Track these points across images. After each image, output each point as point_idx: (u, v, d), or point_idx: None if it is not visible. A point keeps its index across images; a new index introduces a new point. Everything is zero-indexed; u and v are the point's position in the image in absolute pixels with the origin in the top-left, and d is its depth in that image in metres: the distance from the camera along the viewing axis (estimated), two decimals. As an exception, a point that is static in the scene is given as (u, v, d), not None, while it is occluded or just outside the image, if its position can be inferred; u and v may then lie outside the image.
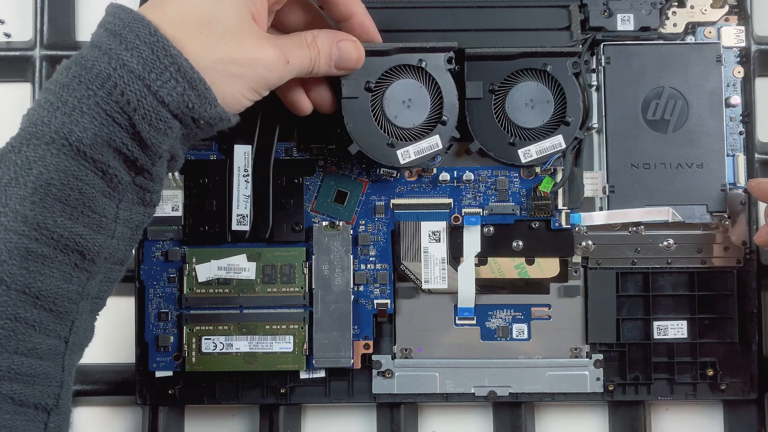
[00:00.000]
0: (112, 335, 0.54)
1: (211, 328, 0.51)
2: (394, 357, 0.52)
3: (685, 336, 0.52)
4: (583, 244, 0.52)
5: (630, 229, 0.52)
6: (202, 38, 0.36)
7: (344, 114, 0.46)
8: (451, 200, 0.52)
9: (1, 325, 0.33)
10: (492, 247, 0.52)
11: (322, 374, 0.52)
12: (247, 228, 0.51)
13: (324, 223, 0.51)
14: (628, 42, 0.51)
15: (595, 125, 0.51)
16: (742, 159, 0.52)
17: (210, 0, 0.36)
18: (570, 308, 0.52)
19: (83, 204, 0.34)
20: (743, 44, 0.52)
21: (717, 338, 0.52)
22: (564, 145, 0.50)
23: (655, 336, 0.52)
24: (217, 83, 0.36)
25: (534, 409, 0.54)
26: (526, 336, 0.52)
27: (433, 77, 0.47)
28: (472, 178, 0.52)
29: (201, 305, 0.51)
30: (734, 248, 0.52)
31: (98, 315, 0.39)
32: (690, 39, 0.52)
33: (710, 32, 0.52)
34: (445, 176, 0.52)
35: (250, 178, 0.51)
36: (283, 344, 0.51)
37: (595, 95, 0.51)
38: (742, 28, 0.52)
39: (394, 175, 0.51)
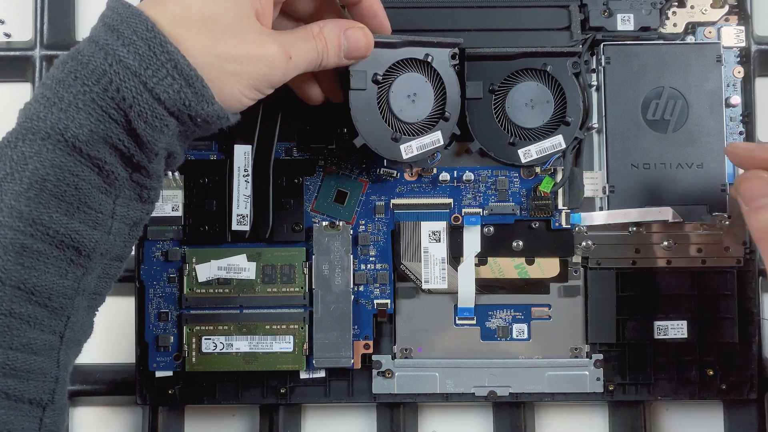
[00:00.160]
0: (112, 335, 0.54)
1: (211, 328, 0.51)
2: (394, 357, 0.52)
3: (686, 336, 0.52)
4: (583, 244, 0.52)
5: (630, 229, 0.52)
6: (202, 35, 0.35)
7: (351, 106, 0.46)
8: (451, 200, 0.52)
9: None
10: (492, 247, 0.52)
11: (322, 374, 0.52)
12: (247, 228, 0.51)
13: (324, 223, 0.51)
14: (628, 42, 0.51)
15: (595, 125, 0.51)
16: (742, 159, 0.52)
17: None
18: (570, 308, 0.52)
19: (79, 200, 0.34)
20: (743, 44, 0.52)
21: (717, 338, 0.52)
22: (564, 145, 0.50)
23: (656, 336, 0.52)
24: (215, 81, 0.36)
25: (534, 409, 0.54)
26: (526, 336, 0.52)
27: (438, 72, 0.47)
28: (472, 178, 0.52)
29: (201, 305, 0.51)
30: (734, 248, 0.52)
31: (97, 311, 0.39)
32: (690, 39, 0.52)
33: (710, 32, 0.52)
34: (445, 176, 0.52)
35: (250, 178, 0.51)
36: (283, 344, 0.51)
37: (595, 95, 0.51)
38: (742, 28, 0.52)
39: (394, 175, 0.51)
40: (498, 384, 0.52)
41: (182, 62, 0.34)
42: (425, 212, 0.52)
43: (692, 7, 0.52)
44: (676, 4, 0.52)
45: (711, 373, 0.52)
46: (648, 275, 0.52)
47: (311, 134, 0.52)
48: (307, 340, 0.51)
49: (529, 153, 0.50)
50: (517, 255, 0.52)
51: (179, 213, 0.51)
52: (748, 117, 0.52)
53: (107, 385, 0.54)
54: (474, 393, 0.52)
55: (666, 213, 0.49)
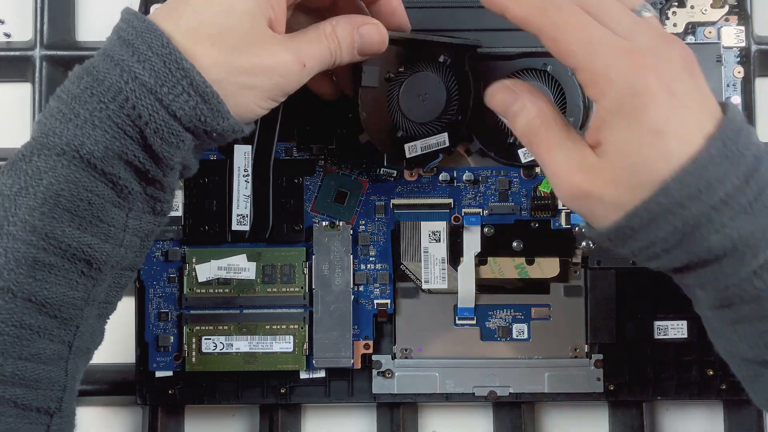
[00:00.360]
0: (112, 335, 0.53)
1: (211, 328, 0.51)
2: (394, 357, 0.52)
3: (686, 336, 0.52)
4: (583, 244, 0.52)
5: (630, 229, 0.52)
6: (215, 50, 0.35)
7: (360, 102, 0.45)
8: (451, 200, 0.52)
9: (7, 332, 0.33)
10: (492, 247, 0.52)
11: (322, 374, 0.52)
12: (247, 228, 0.51)
13: (324, 223, 0.51)
14: (628, 42, 0.51)
15: (595, 125, 0.51)
16: (742, 159, 0.52)
17: (224, 9, 0.36)
18: (570, 308, 0.52)
19: (92, 214, 0.34)
20: (743, 44, 0.52)
21: (717, 338, 0.52)
22: (564, 145, 0.50)
23: (656, 336, 0.52)
24: (231, 95, 0.36)
25: (534, 409, 0.54)
26: (526, 336, 0.52)
27: (453, 74, 0.46)
28: (472, 178, 0.52)
29: (201, 305, 0.51)
30: (734, 248, 0.52)
31: (108, 319, 0.39)
32: (690, 39, 0.52)
33: (710, 32, 0.52)
34: (445, 176, 0.52)
35: (250, 178, 0.51)
36: (283, 344, 0.51)
37: (595, 95, 0.51)
38: (742, 28, 0.52)
39: (394, 175, 0.51)
40: (498, 384, 0.52)
41: (198, 79, 0.34)
42: (425, 212, 0.52)
43: (692, 7, 0.52)
44: (676, 4, 0.52)
45: (711, 373, 0.52)
46: (648, 275, 0.52)
47: (311, 134, 0.52)
48: (307, 340, 0.51)
49: (529, 153, 0.50)
50: (517, 255, 0.52)
51: (179, 213, 0.51)
52: (748, 117, 0.52)
53: (107, 385, 0.53)
54: (474, 393, 0.52)
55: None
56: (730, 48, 0.52)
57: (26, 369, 0.34)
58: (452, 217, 0.52)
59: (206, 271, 0.51)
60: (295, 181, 0.51)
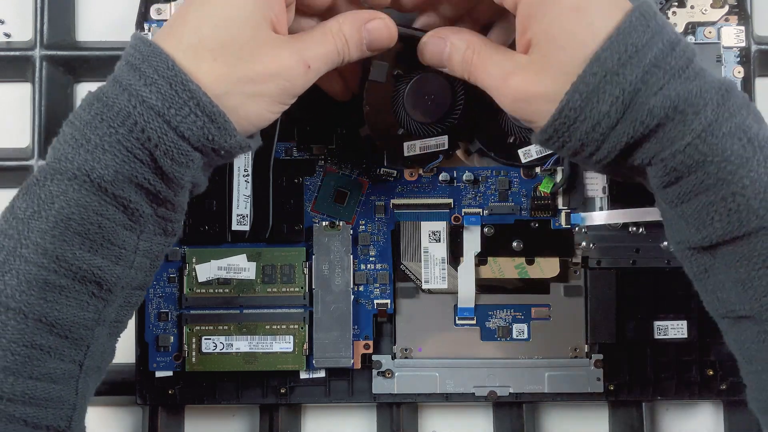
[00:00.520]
0: (112, 335, 0.54)
1: (211, 328, 0.51)
2: (394, 357, 0.52)
3: (686, 336, 0.52)
4: (583, 244, 0.52)
5: (630, 229, 0.52)
6: (218, 64, 0.35)
7: (365, 95, 0.45)
8: (451, 200, 0.52)
9: (18, 352, 0.34)
10: (492, 247, 0.52)
11: (322, 374, 0.52)
12: (247, 228, 0.51)
13: (324, 223, 0.51)
14: (628, 42, 0.51)
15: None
16: (742, 159, 0.52)
17: (222, 21, 0.36)
18: (570, 308, 0.52)
19: (103, 237, 0.35)
20: (743, 44, 0.52)
21: (717, 338, 0.52)
22: (564, 145, 0.50)
23: (656, 336, 0.52)
24: (239, 106, 0.36)
25: (534, 409, 0.54)
26: (526, 336, 0.52)
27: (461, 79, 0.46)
28: (472, 178, 0.52)
29: (201, 305, 0.51)
30: (734, 248, 0.52)
31: (119, 337, 0.40)
32: (690, 39, 0.52)
33: (710, 32, 0.52)
34: (445, 176, 0.52)
35: (250, 178, 0.51)
36: (283, 344, 0.51)
37: (595, 95, 0.51)
38: (742, 28, 0.52)
39: (394, 175, 0.51)
40: (498, 384, 0.52)
41: (204, 100, 0.35)
42: (425, 212, 0.52)
43: (692, 7, 0.52)
44: (676, 4, 0.52)
45: (711, 373, 0.52)
46: (648, 275, 0.52)
47: (311, 134, 0.52)
48: (307, 340, 0.51)
49: (529, 153, 0.50)
50: (517, 255, 0.52)
51: (179, 213, 0.51)
52: (748, 117, 0.52)
53: (107, 385, 0.53)
54: (474, 393, 0.52)
55: (666, 213, 0.49)
56: (730, 48, 0.52)
57: (37, 388, 0.35)
58: (452, 217, 0.52)
59: (206, 271, 0.51)
60: (295, 181, 0.51)
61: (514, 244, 0.52)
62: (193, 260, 0.51)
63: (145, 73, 0.34)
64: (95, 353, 0.37)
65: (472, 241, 0.52)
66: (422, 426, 0.54)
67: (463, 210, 0.52)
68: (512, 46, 0.39)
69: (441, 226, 0.52)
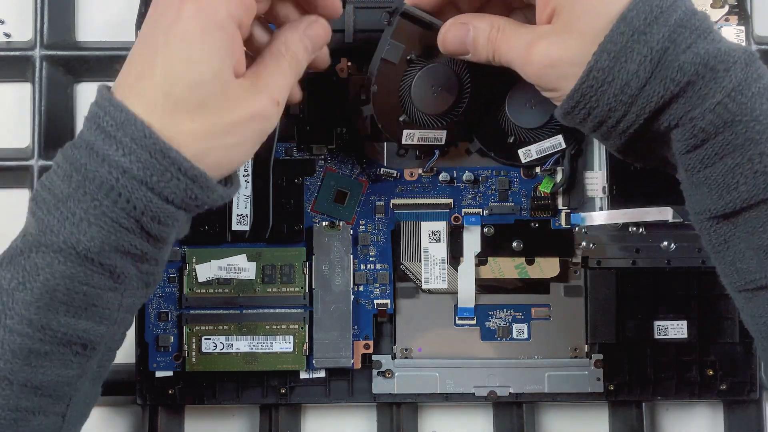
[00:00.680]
0: (112, 335, 0.54)
1: (211, 328, 0.51)
2: (394, 357, 0.52)
3: (686, 336, 0.52)
4: (583, 244, 0.52)
5: (630, 229, 0.52)
6: (195, 125, 0.35)
7: (376, 74, 0.44)
8: (451, 200, 0.52)
9: (4, 416, 0.35)
10: (492, 247, 0.52)
11: (322, 374, 0.52)
12: (247, 228, 0.51)
13: (324, 223, 0.51)
14: (628, 42, 0.51)
15: (595, 125, 0.51)
16: (742, 159, 0.52)
17: (194, 80, 0.35)
18: (570, 308, 0.52)
19: (87, 302, 0.35)
20: (743, 44, 0.52)
21: (717, 338, 0.52)
22: (564, 145, 0.50)
23: (656, 336, 0.52)
24: (219, 159, 0.36)
25: (534, 409, 0.54)
26: (526, 336, 0.52)
27: (469, 76, 0.46)
28: (472, 178, 0.52)
29: (201, 305, 0.51)
30: (734, 248, 0.52)
31: (102, 381, 0.40)
32: (690, 39, 0.52)
33: (710, 32, 0.52)
34: (445, 176, 0.52)
35: (250, 178, 0.51)
36: (283, 344, 0.51)
37: (595, 95, 0.51)
38: (742, 28, 0.52)
39: (394, 175, 0.51)
40: (498, 384, 0.52)
41: (185, 165, 0.34)
42: (425, 212, 0.52)
43: (692, 7, 0.52)
44: (676, 4, 0.52)
45: (711, 373, 0.52)
46: (648, 275, 0.52)
47: (311, 134, 0.52)
48: (307, 340, 0.51)
49: (529, 153, 0.50)
50: (517, 255, 0.52)
51: (179, 213, 0.51)
52: (748, 117, 0.52)
53: (107, 385, 0.53)
54: (474, 393, 0.52)
55: (666, 213, 0.49)
56: (730, 48, 0.52)
57: None
58: (452, 217, 0.52)
59: (206, 271, 0.51)
60: (295, 181, 0.51)
61: (514, 244, 0.52)
62: (193, 260, 0.51)
63: (122, 142, 0.34)
64: (78, 403, 0.38)
65: (472, 241, 0.52)
66: (422, 426, 0.54)
67: (463, 210, 0.52)
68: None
69: (441, 226, 0.52)
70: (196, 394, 0.52)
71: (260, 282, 0.51)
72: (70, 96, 0.55)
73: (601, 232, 0.52)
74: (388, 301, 0.52)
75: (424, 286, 0.52)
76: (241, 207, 0.51)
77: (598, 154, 0.51)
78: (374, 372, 0.52)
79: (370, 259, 0.52)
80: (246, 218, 0.51)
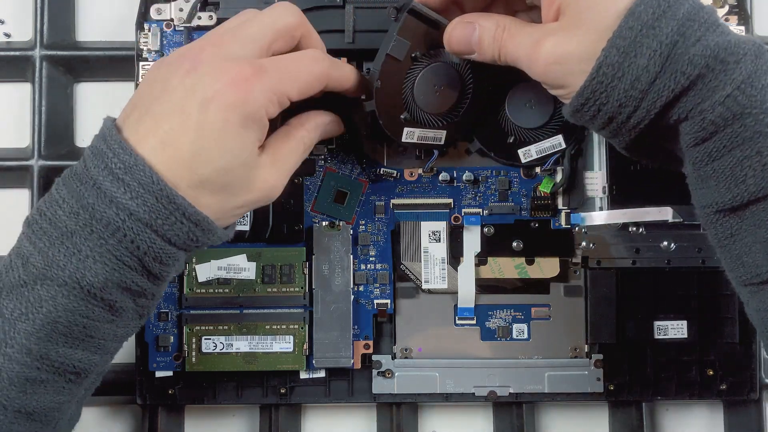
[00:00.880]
0: (112, 335, 0.54)
1: (211, 328, 0.51)
2: (394, 357, 0.52)
3: (686, 336, 0.52)
4: (583, 244, 0.52)
5: (630, 229, 0.52)
6: (215, 200, 0.37)
7: (380, 69, 0.44)
8: (451, 200, 0.52)
9: None
10: (492, 247, 0.52)
11: (322, 374, 0.52)
12: (247, 228, 0.51)
13: (324, 223, 0.51)
14: (628, 42, 0.51)
15: (595, 125, 0.51)
16: (742, 159, 0.52)
17: (221, 164, 0.36)
18: (570, 308, 0.52)
19: (85, 334, 0.36)
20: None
21: (717, 338, 0.52)
22: (564, 145, 0.50)
23: (656, 336, 0.52)
24: (224, 222, 0.39)
25: (534, 409, 0.54)
26: (526, 336, 0.52)
27: (472, 77, 0.46)
28: (472, 178, 0.52)
29: (201, 305, 0.51)
30: (734, 248, 0.52)
31: (83, 401, 0.41)
32: (690, 39, 0.52)
33: (710, 32, 0.52)
34: (445, 176, 0.52)
35: (250, 178, 0.51)
36: (283, 344, 0.51)
37: (595, 95, 0.51)
38: (742, 28, 0.52)
39: (394, 175, 0.51)
40: (498, 384, 0.52)
41: (190, 211, 0.36)
42: (425, 212, 0.52)
43: (692, 7, 0.52)
44: (676, 4, 0.52)
45: (711, 373, 0.52)
46: (648, 275, 0.52)
47: (311, 134, 0.52)
48: (307, 340, 0.51)
49: (529, 153, 0.50)
50: (517, 255, 0.52)
51: (179, 213, 0.51)
52: (748, 117, 0.52)
53: (107, 385, 0.53)
54: (474, 393, 0.52)
55: (666, 213, 0.49)
56: (730, 48, 0.52)
57: None
58: (452, 217, 0.52)
59: (206, 271, 0.51)
60: (295, 181, 0.51)
61: (514, 244, 0.52)
62: (193, 260, 0.51)
63: (129, 186, 0.35)
64: (63, 425, 0.39)
65: (472, 241, 0.52)
66: (422, 426, 0.54)
67: (463, 210, 0.52)
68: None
69: (441, 226, 0.52)
70: (196, 394, 0.52)
71: (260, 282, 0.51)
72: (70, 96, 0.55)
73: (601, 232, 0.52)
74: (388, 301, 0.52)
75: (424, 286, 0.52)
76: (241, 207, 0.51)
77: (598, 154, 0.51)
78: (374, 372, 0.52)
79: (370, 259, 0.52)
80: (246, 218, 0.51)
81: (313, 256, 0.51)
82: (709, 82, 0.34)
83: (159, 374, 0.51)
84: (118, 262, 0.35)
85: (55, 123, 0.54)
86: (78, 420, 0.42)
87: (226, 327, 0.51)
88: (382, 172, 0.51)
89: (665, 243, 0.52)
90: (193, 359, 0.51)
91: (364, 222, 0.52)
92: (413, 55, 0.44)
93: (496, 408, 0.54)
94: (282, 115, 0.41)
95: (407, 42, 0.44)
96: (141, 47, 0.51)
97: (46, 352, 0.36)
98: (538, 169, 0.52)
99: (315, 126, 0.43)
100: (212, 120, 0.36)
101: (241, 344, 0.51)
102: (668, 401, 0.55)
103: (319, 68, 0.40)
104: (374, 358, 0.52)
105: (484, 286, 0.52)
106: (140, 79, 0.50)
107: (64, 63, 0.54)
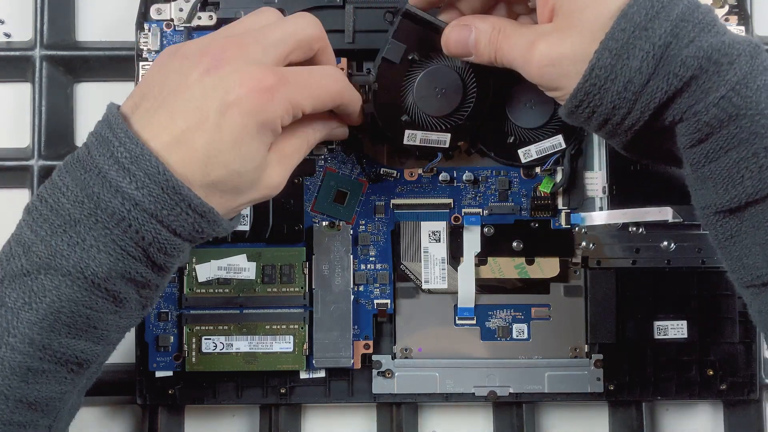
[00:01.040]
0: (112, 335, 0.54)
1: (211, 328, 0.51)
2: (394, 357, 0.52)
3: (686, 336, 0.52)
4: (583, 244, 0.52)
5: (630, 229, 0.52)
6: (222, 200, 0.38)
7: (377, 72, 0.45)
8: (451, 200, 0.52)
9: None
10: (492, 247, 0.52)
11: (322, 374, 0.52)
12: (247, 228, 0.51)
13: (324, 223, 0.51)
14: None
15: (595, 125, 0.51)
16: (742, 159, 0.52)
17: (234, 168, 0.37)
18: (570, 308, 0.52)
19: (88, 324, 0.36)
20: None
21: (717, 338, 0.52)
22: (564, 145, 0.50)
23: (656, 336, 0.52)
24: (230, 216, 0.39)
25: (534, 409, 0.54)
26: (526, 336, 0.52)
27: (474, 80, 0.46)
28: (472, 178, 0.52)
29: (201, 305, 0.51)
30: (734, 248, 0.52)
31: (85, 392, 0.41)
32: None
33: (710, 32, 0.52)
34: (445, 176, 0.52)
35: (250, 178, 0.51)
36: (283, 344, 0.51)
37: (595, 95, 0.51)
38: (742, 28, 0.52)
39: (394, 175, 0.51)
40: (498, 384, 0.52)
41: (196, 202, 0.36)
42: (425, 212, 0.52)
43: (692, 7, 0.52)
44: (676, 4, 0.52)
45: (711, 373, 0.52)
46: (648, 275, 0.52)
47: (311, 134, 0.52)
48: (307, 340, 0.51)
49: (529, 153, 0.50)
50: (517, 255, 0.52)
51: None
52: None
53: (107, 385, 0.53)
54: (474, 393, 0.52)
55: (666, 213, 0.49)
56: (730, 48, 0.52)
57: None
58: (452, 217, 0.52)
59: (206, 271, 0.51)
60: (295, 181, 0.51)
61: (514, 244, 0.52)
62: (193, 260, 0.51)
63: (135, 176, 0.35)
64: (63, 414, 0.39)
65: (472, 241, 0.52)
66: (422, 426, 0.54)
67: (463, 210, 0.52)
68: None
69: (441, 226, 0.52)
70: (196, 394, 0.52)
71: (260, 282, 0.51)
72: (70, 96, 0.55)
73: (601, 232, 0.52)
74: (388, 301, 0.52)
75: (424, 286, 0.52)
76: (241, 207, 0.51)
77: (598, 154, 0.51)
78: (374, 372, 0.52)
79: (370, 259, 0.52)
80: (246, 218, 0.51)
81: (313, 256, 0.51)
82: (702, 84, 0.34)
83: (159, 374, 0.51)
84: (123, 252, 0.35)
85: (55, 123, 0.54)
86: (78, 409, 0.41)
87: (226, 327, 0.51)
88: (382, 172, 0.51)
89: (665, 243, 0.52)
90: (193, 359, 0.51)
91: (364, 222, 0.52)
92: (410, 57, 0.44)
93: (496, 408, 0.54)
94: None
95: (402, 45, 0.44)
96: (141, 47, 0.51)
97: (48, 342, 0.35)
98: (538, 169, 0.52)
99: (322, 127, 0.42)
100: (230, 124, 0.36)
101: (241, 344, 0.51)
102: (668, 401, 0.55)
103: (336, 88, 0.40)
104: (374, 358, 0.52)
105: (484, 286, 0.52)
106: (143, 73, 0.50)
107: (64, 63, 0.54)
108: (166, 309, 0.51)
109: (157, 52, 0.51)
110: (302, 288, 0.51)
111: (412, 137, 0.47)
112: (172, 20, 0.51)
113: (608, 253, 0.52)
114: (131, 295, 0.37)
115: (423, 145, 0.47)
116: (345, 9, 0.50)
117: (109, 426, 0.55)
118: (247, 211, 0.51)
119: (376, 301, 0.52)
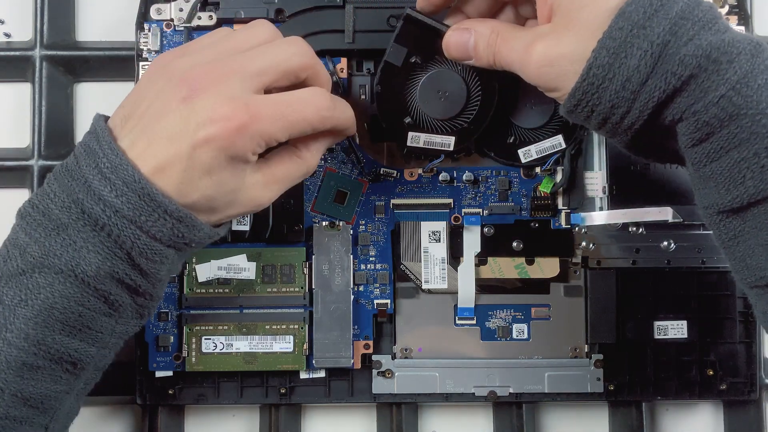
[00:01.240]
0: (112, 335, 0.54)
1: (211, 328, 0.51)
2: (394, 357, 0.52)
3: (686, 336, 0.52)
4: (583, 244, 0.52)
5: (630, 229, 0.52)
6: (208, 216, 0.39)
7: (380, 74, 0.45)
8: (451, 200, 0.52)
9: None
10: (492, 247, 0.52)
11: (322, 374, 0.52)
12: (247, 228, 0.51)
13: (324, 223, 0.51)
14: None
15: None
16: (742, 159, 0.52)
17: (210, 193, 0.38)
18: (570, 308, 0.52)
19: (82, 323, 0.37)
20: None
21: (717, 338, 0.52)
22: (564, 145, 0.50)
23: (656, 336, 0.52)
24: (213, 223, 0.40)
25: (534, 409, 0.54)
26: (526, 336, 0.52)
27: (479, 84, 0.46)
28: (472, 178, 0.52)
29: (201, 305, 0.51)
30: (734, 248, 0.52)
31: (83, 397, 0.42)
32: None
33: (710, 32, 0.52)
34: (445, 176, 0.52)
35: (250, 178, 0.51)
36: (283, 344, 0.51)
37: (595, 95, 0.51)
38: (742, 28, 0.52)
39: (394, 175, 0.51)
40: (498, 384, 0.52)
41: (171, 207, 0.37)
42: (425, 212, 0.52)
43: (692, 7, 0.52)
44: (676, 4, 0.52)
45: (711, 373, 0.52)
46: (648, 275, 0.52)
47: (311, 134, 0.52)
48: (307, 340, 0.51)
49: (529, 153, 0.50)
50: (517, 255, 0.52)
51: (179, 213, 0.51)
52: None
53: (107, 385, 0.53)
54: (474, 393, 0.52)
55: (666, 213, 0.49)
56: (730, 48, 0.52)
57: None
58: (452, 217, 0.52)
59: (206, 271, 0.51)
60: (295, 181, 0.51)
61: (514, 244, 0.52)
62: (193, 260, 0.51)
63: (115, 185, 0.36)
64: (60, 416, 0.40)
65: (472, 241, 0.52)
66: (422, 426, 0.54)
67: (463, 210, 0.52)
68: None
69: (441, 226, 0.52)
70: (196, 394, 0.52)
71: (260, 282, 0.51)
72: (70, 96, 0.55)
73: (601, 232, 0.52)
74: (388, 301, 0.52)
75: (424, 286, 0.52)
76: (241, 207, 0.51)
77: (598, 154, 0.51)
78: (374, 372, 0.52)
79: (370, 259, 0.52)
80: (246, 218, 0.51)
81: (313, 256, 0.51)
82: (701, 83, 0.33)
83: (159, 374, 0.51)
84: (109, 252, 0.37)
85: (55, 123, 0.54)
86: (77, 415, 0.42)
87: (226, 327, 0.51)
88: (382, 172, 0.51)
89: (665, 243, 0.52)
90: (193, 359, 0.51)
91: (364, 222, 0.52)
92: (413, 60, 0.45)
93: (496, 408, 0.54)
94: None
95: (404, 48, 0.44)
96: (141, 47, 0.51)
97: (43, 338, 0.36)
98: (538, 169, 0.52)
99: (321, 147, 0.42)
100: (201, 159, 0.37)
101: (241, 344, 0.51)
102: (668, 401, 0.55)
103: (316, 116, 0.40)
104: (374, 358, 0.52)
105: (484, 286, 0.52)
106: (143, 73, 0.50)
107: (64, 63, 0.54)
108: (166, 309, 0.51)
109: (157, 52, 0.51)
110: (302, 288, 0.51)
111: (416, 139, 0.47)
112: (172, 20, 0.51)
113: (608, 253, 0.52)
114: (124, 300, 0.38)
115: (427, 147, 0.47)
116: (345, 9, 0.50)
117: (109, 426, 0.55)
118: (247, 211, 0.51)
119: (376, 301, 0.52)
